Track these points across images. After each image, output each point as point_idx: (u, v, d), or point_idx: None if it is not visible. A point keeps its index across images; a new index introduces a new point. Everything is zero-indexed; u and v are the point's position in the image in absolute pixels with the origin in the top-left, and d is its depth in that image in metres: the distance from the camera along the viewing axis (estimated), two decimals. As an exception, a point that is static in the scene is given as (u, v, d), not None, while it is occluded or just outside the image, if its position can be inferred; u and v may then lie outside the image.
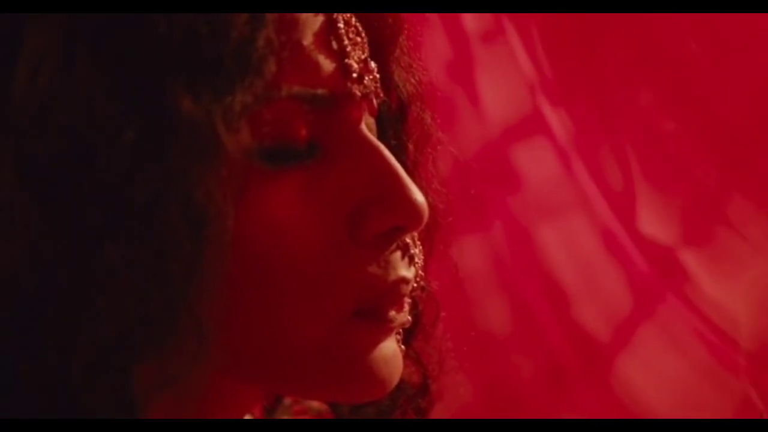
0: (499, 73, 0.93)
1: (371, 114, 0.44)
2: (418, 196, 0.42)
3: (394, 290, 0.42)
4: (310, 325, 0.41)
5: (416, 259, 0.44)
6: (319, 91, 0.41)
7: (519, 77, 0.93)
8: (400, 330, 0.46)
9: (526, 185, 0.93)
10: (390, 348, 0.43)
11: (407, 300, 0.44)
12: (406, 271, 0.43)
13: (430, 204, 0.43)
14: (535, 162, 0.93)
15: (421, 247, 0.45)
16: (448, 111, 0.88)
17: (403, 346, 0.46)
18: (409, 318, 0.44)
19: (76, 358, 0.35)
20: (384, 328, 0.43)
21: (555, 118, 0.92)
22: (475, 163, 0.83)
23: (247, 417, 0.52)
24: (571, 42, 0.85)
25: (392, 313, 0.43)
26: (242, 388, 0.46)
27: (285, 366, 0.42)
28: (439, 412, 0.61)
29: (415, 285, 0.44)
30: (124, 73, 0.36)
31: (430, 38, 0.82)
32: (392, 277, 0.42)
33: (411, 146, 0.51)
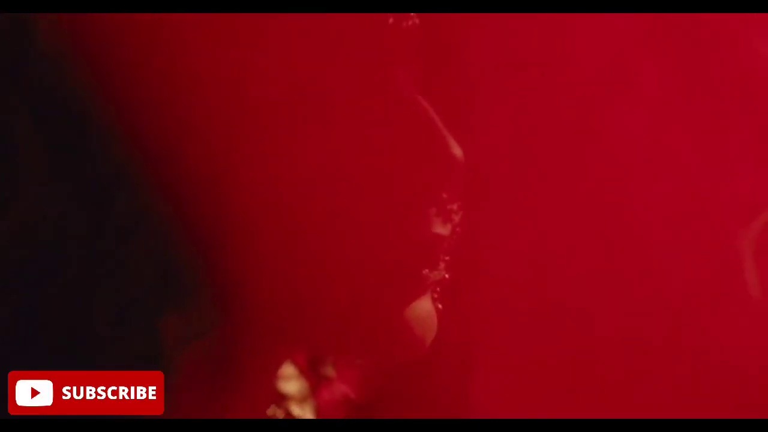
0: (589, 23, 0.89)
1: (409, 64, 0.43)
2: (456, 150, 0.41)
3: (428, 248, 0.41)
4: (340, 283, 0.40)
5: (453, 216, 0.43)
6: (353, 38, 0.40)
7: (611, 28, 0.89)
8: (437, 288, 0.45)
9: (611, 142, 0.89)
10: (424, 307, 0.42)
11: (443, 257, 0.43)
12: (441, 228, 0.42)
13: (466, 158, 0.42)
14: (623, 118, 0.89)
15: (459, 203, 0.44)
16: (535, 64, 0.85)
17: (440, 305, 0.45)
18: (446, 275, 0.43)
19: (99, 311, 0.36)
20: (417, 287, 0.42)
21: (647, 71, 0.88)
22: (563, 118, 0.80)
23: (289, 367, 0.53)
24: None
25: (426, 270, 0.41)
26: (276, 342, 0.46)
27: (314, 325, 0.41)
28: (515, 381, 0.61)
29: (452, 242, 0.43)
30: None
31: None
32: (426, 234, 0.41)
33: (454, 96, 0.49)
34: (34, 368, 0.36)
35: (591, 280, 0.82)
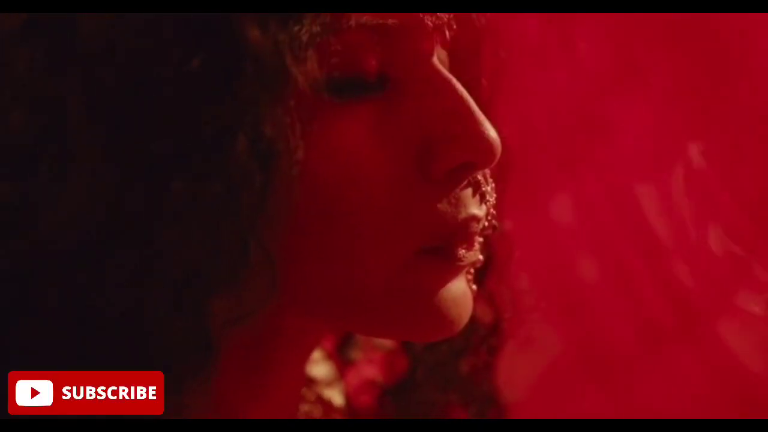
0: (595, 18, 0.89)
1: (443, 46, 0.43)
2: (491, 131, 0.41)
3: (464, 228, 0.41)
4: (378, 263, 0.40)
5: (488, 197, 0.43)
6: (390, 20, 0.40)
7: (616, 24, 0.89)
8: (472, 270, 0.45)
9: (621, 138, 0.89)
10: (460, 288, 0.43)
11: (478, 239, 0.43)
12: (477, 209, 0.42)
13: (504, 141, 0.42)
14: (632, 113, 0.89)
15: (493, 185, 0.43)
16: (539, 58, 0.85)
17: (474, 286, 0.45)
18: (480, 257, 0.43)
19: (150, 294, 0.35)
20: (454, 267, 0.42)
21: (654, 64, 0.87)
22: (568, 112, 0.80)
23: (317, 354, 0.53)
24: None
25: (462, 251, 0.41)
26: (310, 326, 0.46)
27: (352, 304, 0.41)
28: (530, 370, 0.61)
29: (486, 224, 0.43)
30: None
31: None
32: (463, 214, 0.41)
33: (484, 81, 0.49)
34: (91, 353, 0.36)
35: (610, 267, 0.82)
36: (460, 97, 0.41)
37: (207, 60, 0.35)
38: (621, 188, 0.82)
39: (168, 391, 0.37)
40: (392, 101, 0.41)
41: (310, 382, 0.54)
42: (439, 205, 0.41)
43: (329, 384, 0.56)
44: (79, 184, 0.34)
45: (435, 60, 0.41)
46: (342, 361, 0.59)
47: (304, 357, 0.49)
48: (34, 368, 0.36)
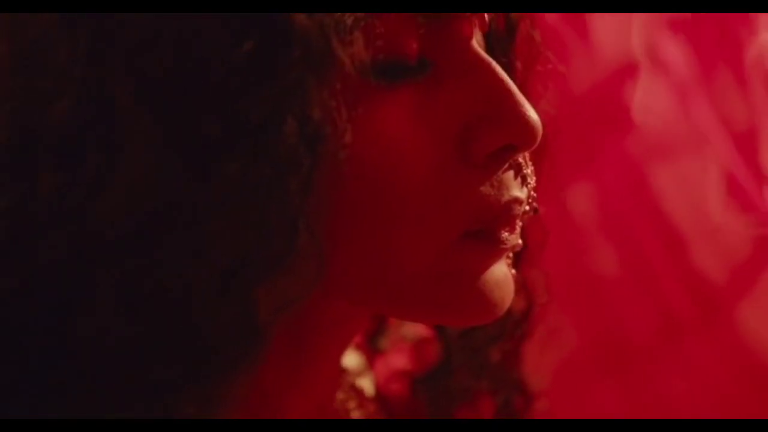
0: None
1: (482, 30, 0.43)
2: (532, 113, 0.40)
3: (507, 211, 0.41)
4: (422, 247, 0.40)
5: (528, 180, 0.42)
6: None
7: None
8: (511, 254, 0.45)
9: (640, 124, 0.88)
10: (502, 271, 0.43)
11: (519, 222, 0.43)
12: (519, 192, 0.42)
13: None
14: (651, 99, 0.88)
15: (532, 168, 0.43)
16: (556, 46, 0.85)
17: (513, 271, 0.45)
18: (520, 241, 0.43)
19: (199, 281, 0.35)
20: (496, 250, 0.42)
21: (673, 51, 0.87)
22: (586, 101, 0.80)
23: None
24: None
25: (505, 234, 0.41)
26: (350, 313, 0.46)
27: (396, 288, 0.41)
28: (548, 361, 0.61)
29: (527, 207, 0.43)
30: None
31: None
32: (505, 197, 0.41)
33: (519, 65, 0.49)
34: (140, 341, 0.35)
35: (629, 257, 0.82)
36: (501, 80, 0.41)
37: (254, 46, 0.34)
38: (640, 177, 0.81)
39: (215, 381, 0.37)
40: (432, 85, 0.40)
41: (342, 371, 0.54)
42: (481, 188, 0.40)
43: (360, 373, 0.56)
44: (127, 171, 0.34)
45: (474, 43, 0.41)
46: (371, 351, 0.58)
47: (345, 344, 0.49)
48: (84, 356, 0.35)
